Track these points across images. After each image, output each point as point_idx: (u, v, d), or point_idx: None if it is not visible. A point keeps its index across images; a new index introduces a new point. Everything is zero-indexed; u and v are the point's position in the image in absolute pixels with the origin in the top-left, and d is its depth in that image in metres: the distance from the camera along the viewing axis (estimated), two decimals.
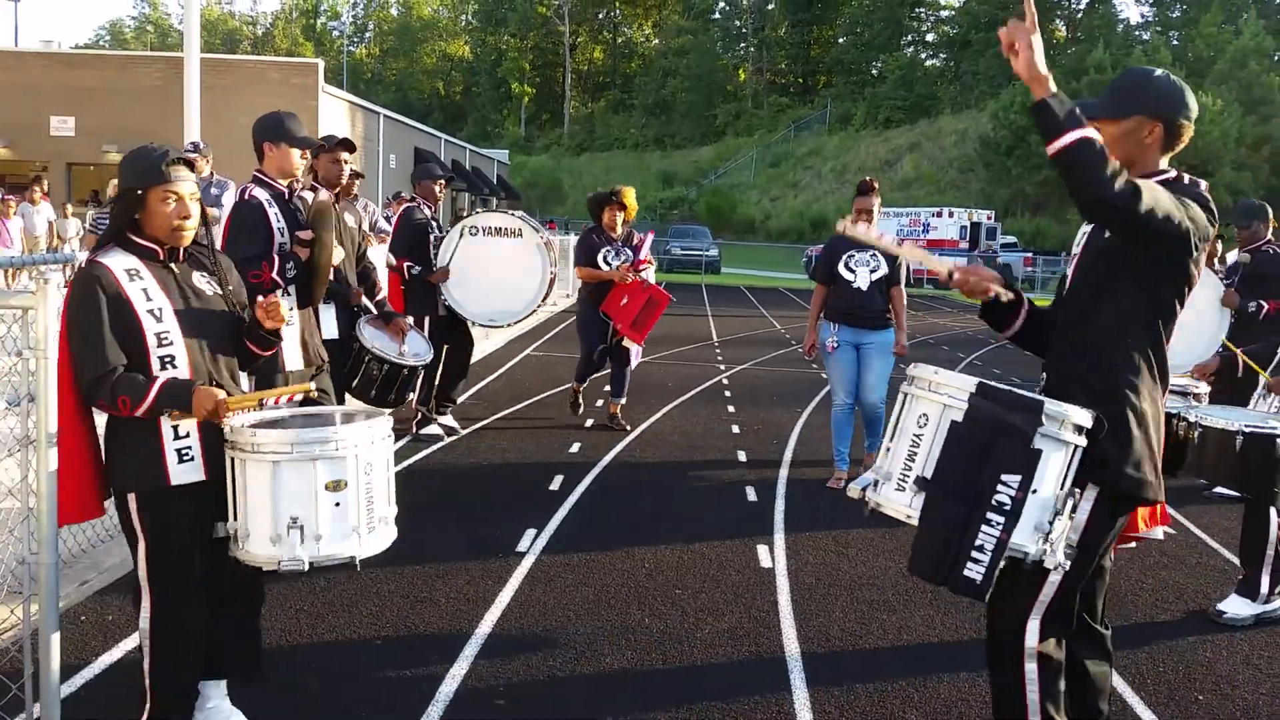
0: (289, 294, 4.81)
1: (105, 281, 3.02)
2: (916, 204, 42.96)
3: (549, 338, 15.34)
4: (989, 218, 37.23)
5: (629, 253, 8.46)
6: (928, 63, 70.45)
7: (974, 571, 2.68)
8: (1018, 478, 2.67)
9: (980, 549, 2.68)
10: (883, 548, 5.79)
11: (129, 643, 4.10)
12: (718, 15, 78.43)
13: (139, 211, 3.15)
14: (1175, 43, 57.40)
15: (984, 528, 2.68)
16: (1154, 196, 2.68)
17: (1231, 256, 7.70)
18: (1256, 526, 4.87)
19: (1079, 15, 66.86)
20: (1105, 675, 3.25)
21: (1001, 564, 2.69)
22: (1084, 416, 2.77)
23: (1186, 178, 2.95)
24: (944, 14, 72.86)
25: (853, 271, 6.95)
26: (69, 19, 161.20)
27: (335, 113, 31.83)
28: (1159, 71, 2.98)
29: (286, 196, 4.98)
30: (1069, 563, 2.84)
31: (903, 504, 2.84)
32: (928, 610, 4.90)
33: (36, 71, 29.94)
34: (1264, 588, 4.85)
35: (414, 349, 6.28)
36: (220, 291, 3.30)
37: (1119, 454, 2.85)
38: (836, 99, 67.50)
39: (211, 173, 9.36)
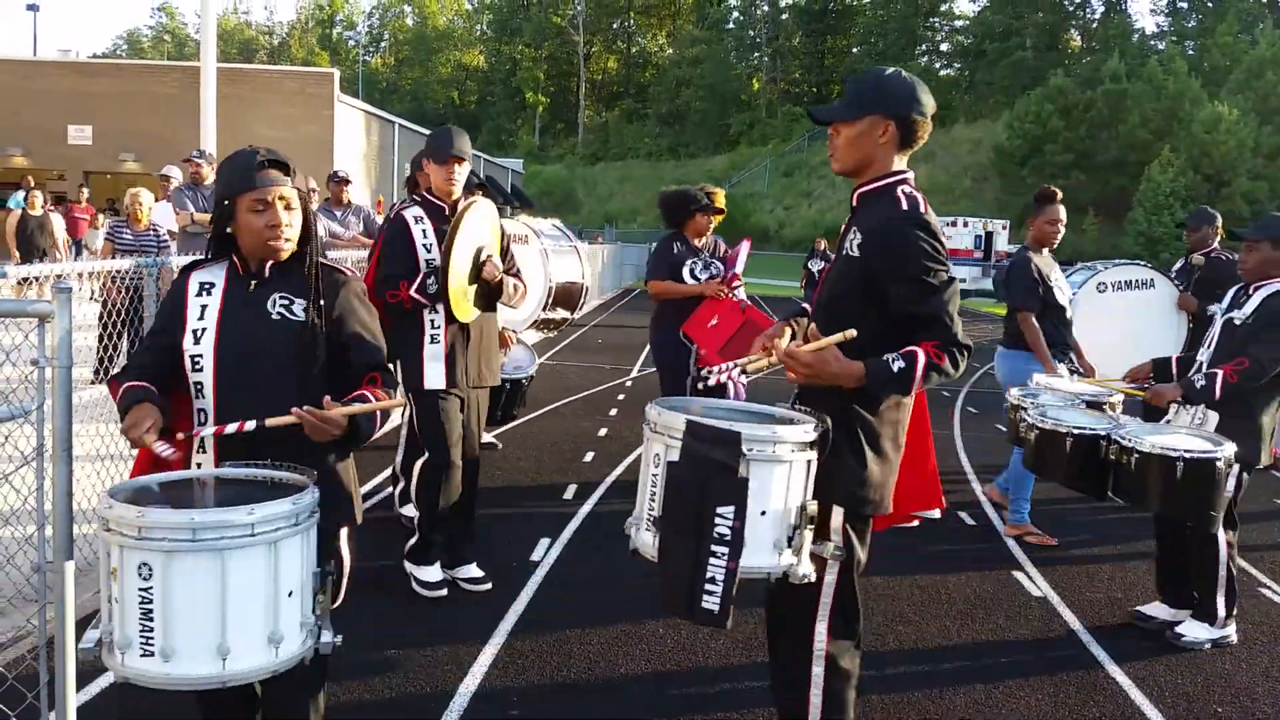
0: (436, 310, 4.68)
1: (176, 290, 2.87)
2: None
3: (561, 347, 15.35)
4: (1003, 227, 37.12)
5: (719, 265, 6.75)
6: (942, 72, 70.40)
7: (710, 603, 2.70)
8: (731, 508, 2.67)
9: (713, 580, 2.70)
10: (899, 561, 5.77)
11: None
12: (732, 25, 78.56)
13: (230, 224, 2.81)
14: (1191, 52, 57.25)
15: (711, 560, 2.70)
16: (955, 305, 2.83)
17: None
18: (1205, 551, 4.72)
19: (1094, 25, 66.72)
20: (854, 665, 3.22)
21: (735, 589, 2.70)
22: (801, 433, 2.75)
23: (908, 191, 2.90)
24: (958, 24, 72.83)
25: (1063, 291, 6.42)
26: (87, 28, 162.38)
27: (351, 122, 31.95)
28: (891, 70, 2.96)
29: (447, 213, 4.79)
30: (838, 559, 2.91)
31: (650, 545, 2.83)
32: (944, 621, 4.87)
33: (54, 80, 30.17)
34: (1220, 611, 4.71)
35: (514, 360, 5.86)
36: (303, 317, 2.77)
37: (849, 471, 2.91)
38: None
39: (215, 181, 9.40)
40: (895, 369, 2.76)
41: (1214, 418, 4.68)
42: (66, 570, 3.07)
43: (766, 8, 77.04)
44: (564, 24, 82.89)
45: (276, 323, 2.76)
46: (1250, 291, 4.81)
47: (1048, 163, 47.90)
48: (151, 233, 9.91)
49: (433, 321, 4.68)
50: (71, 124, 29.53)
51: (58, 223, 13.13)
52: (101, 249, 10.13)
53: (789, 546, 2.76)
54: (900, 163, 2.97)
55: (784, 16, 76.26)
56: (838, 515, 2.92)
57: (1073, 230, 47.07)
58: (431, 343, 4.68)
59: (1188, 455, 4.22)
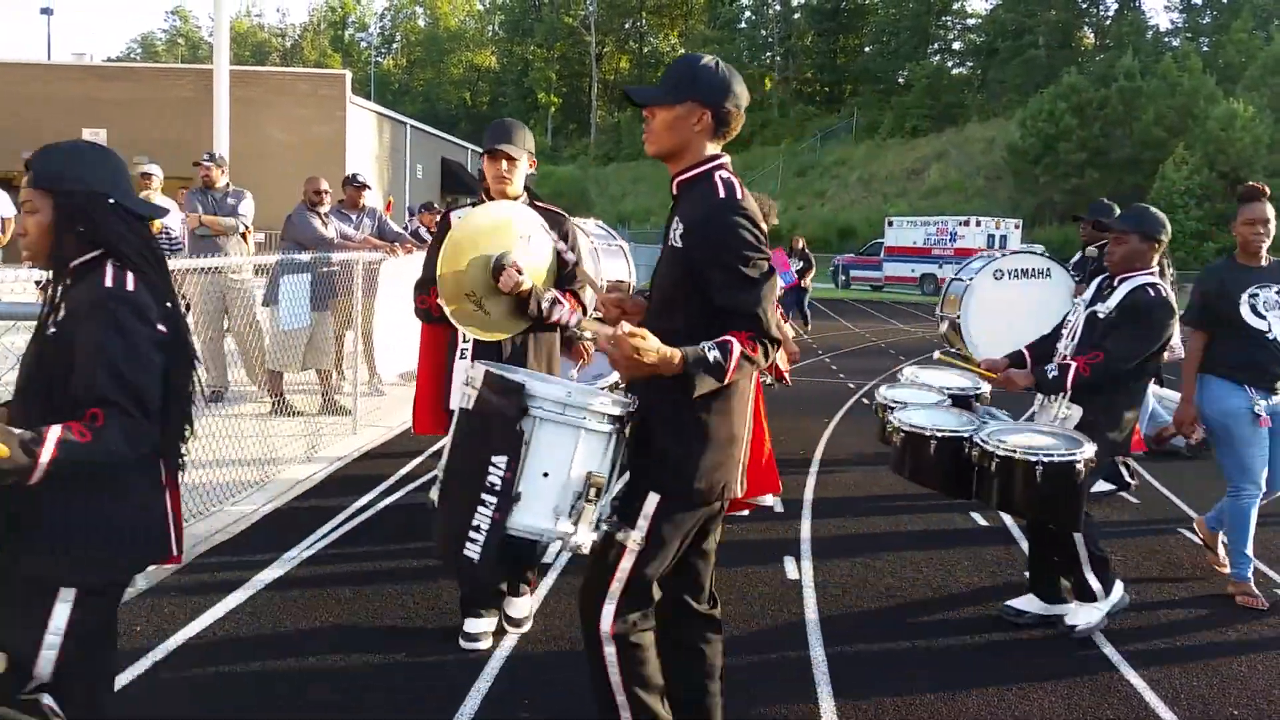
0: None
1: None
2: (943, 212, 42.76)
3: None
4: (1016, 226, 37.01)
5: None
6: (954, 71, 70.16)
7: (472, 551, 2.71)
8: (504, 458, 2.70)
9: (477, 529, 2.71)
10: (910, 560, 5.75)
11: (157, 653, 4.12)
12: (743, 24, 78.49)
13: None
14: (1206, 49, 56.97)
15: (480, 509, 2.71)
16: (772, 298, 2.87)
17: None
18: (1065, 548, 4.66)
19: (1108, 22, 66.42)
20: (715, 654, 3.22)
21: (499, 544, 2.71)
22: (599, 403, 2.78)
23: (725, 177, 2.91)
24: (970, 22, 72.62)
25: (1263, 316, 5.17)
26: (101, 32, 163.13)
27: (363, 123, 32.03)
28: (708, 58, 2.96)
29: None
30: (637, 548, 2.90)
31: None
32: (955, 622, 4.85)
33: (68, 84, 30.31)
34: (1096, 585, 4.65)
35: (593, 371, 5.31)
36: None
37: (668, 458, 2.90)
38: (863, 108, 67.32)
39: (228, 184, 9.43)
40: (711, 359, 2.74)
41: (1078, 412, 4.63)
42: None
43: (778, 7, 76.93)
44: (576, 24, 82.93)
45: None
46: (1115, 284, 4.76)
47: (1061, 161, 47.68)
48: (164, 234, 9.94)
49: (464, 335, 4.21)
50: (86, 128, 29.63)
51: None
52: None
53: (569, 515, 2.77)
54: (713, 149, 2.98)
55: (796, 16, 76.11)
56: (650, 502, 2.90)
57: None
58: (460, 358, 4.26)
59: (1047, 459, 4.21)
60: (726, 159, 2.99)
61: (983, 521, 6.58)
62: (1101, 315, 4.68)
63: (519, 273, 3.94)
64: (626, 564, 2.92)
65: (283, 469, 6.98)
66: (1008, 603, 4.95)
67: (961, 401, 5.34)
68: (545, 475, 2.74)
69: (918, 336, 20.39)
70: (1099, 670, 4.38)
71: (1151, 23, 69.22)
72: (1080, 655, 4.53)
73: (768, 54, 77.24)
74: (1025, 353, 5.09)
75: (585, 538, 2.81)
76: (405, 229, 13.43)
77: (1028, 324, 6.29)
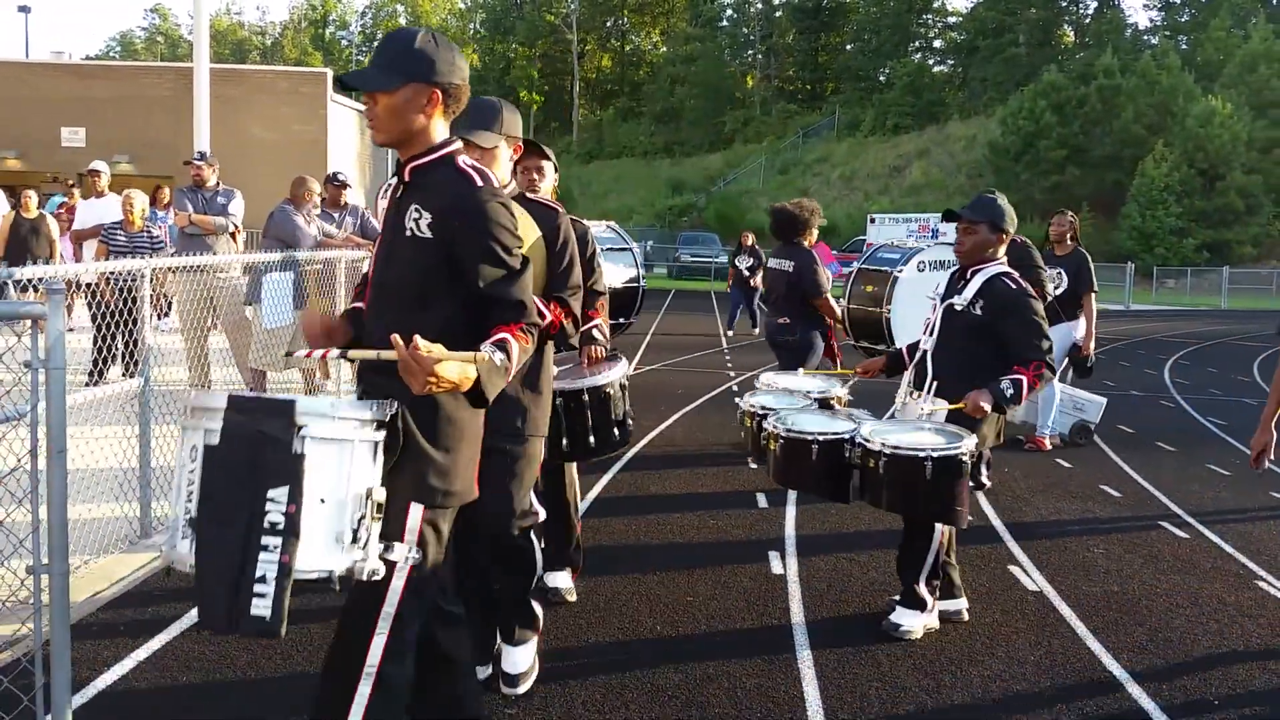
0: None
1: None
2: (926, 210, 42.82)
3: None
4: None
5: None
6: (935, 69, 70.24)
7: (261, 608, 2.35)
8: (285, 489, 2.37)
9: (263, 580, 2.35)
10: (895, 554, 5.76)
11: (141, 653, 4.10)
12: (725, 23, 78.38)
13: None
14: (1184, 47, 57.25)
15: (262, 555, 2.35)
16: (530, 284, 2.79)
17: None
18: (919, 540, 4.59)
19: (1087, 20, 66.66)
20: (464, 650, 3.12)
21: (289, 590, 2.39)
22: (363, 410, 2.55)
23: (473, 164, 2.79)
24: (951, 20, 72.76)
25: None
26: (79, 30, 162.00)
27: (344, 122, 31.91)
28: (422, 33, 2.75)
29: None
30: (409, 563, 2.66)
31: (187, 554, 2.44)
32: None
33: (47, 83, 30.08)
34: (928, 597, 4.60)
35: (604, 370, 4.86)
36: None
37: (437, 465, 2.72)
38: (845, 105, 67.37)
39: (219, 182, 9.40)
40: (498, 361, 2.59)
41: (944, 406, 4.58)
42: (62, 573, 3.07)
43: (760, 5, 76.90)
44: (557, 22, 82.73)
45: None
46: (968, 276, 4.70)
47: (1042, 159, 47.84)
48: (145, 234, 9.90)
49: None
50: (65, 126, 29.44)
51: (54, 228, 12.79)
52: (96, 251, 10.11)
53: (354, 541, 2.49)
54: (445, 131, 2.82)
55: (777, 14, 76.09)
56: (415, 514, 2.69)
57: None
58: None
59: (935, 454, 4.17)
60: (459, 144, 2.84)
61: (967, 516, 6.60)
62: (959, 308, 4.64)
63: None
64: (398, 584, 2.67)
65: None
66: (894, 599, 4.81)
67: (822, 405, 5.28)
68: (322, 502, 2.44)
69: None
70: (1082, 662, 4.41)
71: (1130, 21, 69.79)
72: (1063, 647, 4.55)
73: (749, 52, 77.25)
74: (904, 353, 5.10)
75: (377, 562, 2.55)
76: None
77: None
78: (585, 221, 4.55)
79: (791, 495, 6.85)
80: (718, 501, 6.76)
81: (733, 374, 13.07)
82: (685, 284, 34.40)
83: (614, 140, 74.59)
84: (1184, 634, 4.77)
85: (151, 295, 5.96)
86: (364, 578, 2.52)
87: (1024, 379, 4.41)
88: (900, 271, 8.56)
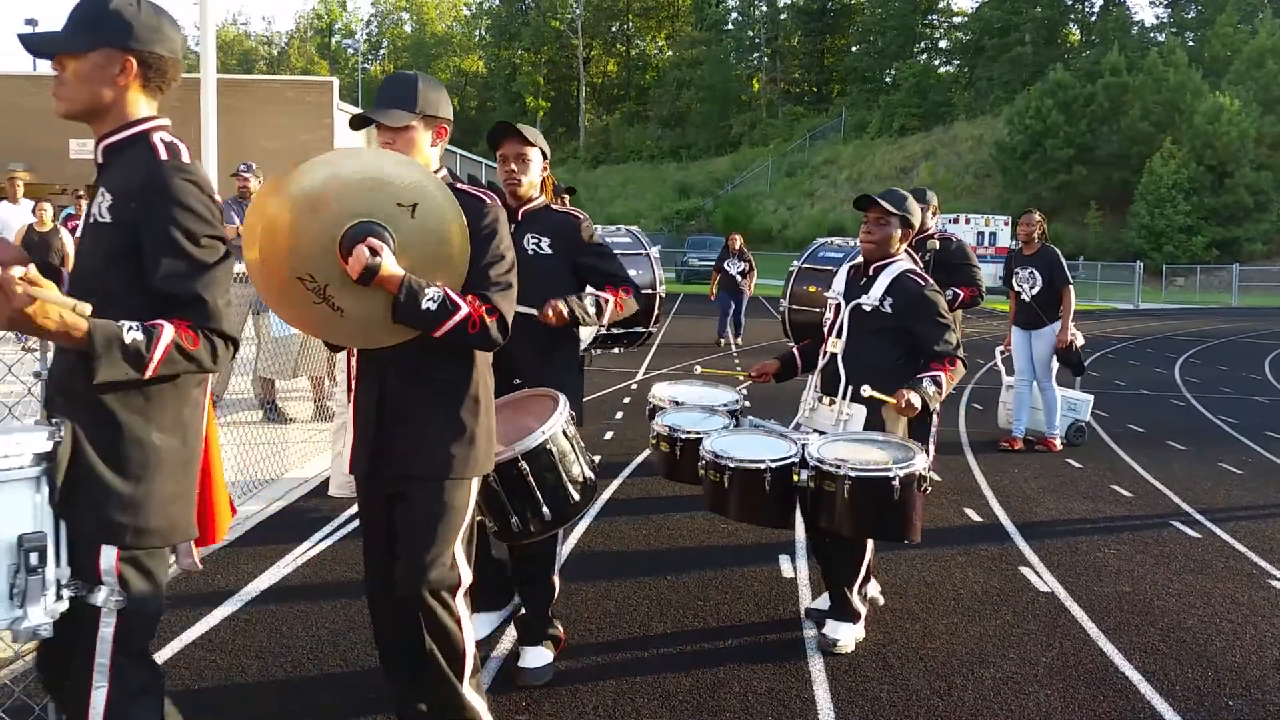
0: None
1: None
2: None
3: None
4: (1005, 223, 37.09)
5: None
6: (941, 69, 70.22)
7: None
8: None
9: None
10: (905, 556, 5.76)
11: (169, 650, 4.10)
12: (730, 26, 78.42)
13: None
14: (1191, 44, 57.14)
15: None
16: (224, 286, 2.45)
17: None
18: (856, 548, 4.42)
19: (1093, 19, 66.56)
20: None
21: None
22: (32, 438, 2.22)
23: (168, 139, 2.48)
24: (956, 20, 72.71)
25: None
26: None
27: (350, 130, 31.98)
28: None
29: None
30: (114, 609, 2.33)
31: None
32: (951, 618, 4.86)
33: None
34: (860, 608, 4.46)
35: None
36: None
37: (127, 499, 2.34)
38: (851, 107, 67.37)
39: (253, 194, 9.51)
40: (129, 340, 2.22)
41: (860, 411, 4.41)
42: None
43: (765, 8, 76.94)
44: (563, 28, 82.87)
45: None
46: (871, 273, 4.54)
47: (1049, 158, 47.79)
48: None
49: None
50: (73, 139, 29.54)
51: (68, 240, 12.71)
52: None
53: (10, 597, 2.17)
54: (151, 108, 2.51)
55: (782, 16, 76.14)
56: (107, 555, 2.31)
57: (1075, 225, 47.08)
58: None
59: (903, 471, 3.92)
60: (166, 121, 2.52)
61: (977, 518, 6.60)
62: (868, 308, 4.48)
63: (374, 254, 2.65)
64: (106, 632, 2.33)
65: (276, 476, 6.97)
66: (810, 604, 4.79)
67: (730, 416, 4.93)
68: None
69: None
70: (1094, 664, 4.39)
71: (1137, 18, 69.52)
72: (1075, 648, 4.54)
73: (755, 55, 77.28)
74: (795, 353, 4.99)
75: (41, 617, 2.19)
76: None
77: None
78: (597, 228, 4.55)
79: None
80: None
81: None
82: (693, 288, 34.42)
83: (621, 145, 74.69)
84: (1197, 635, 4.75)
85: None
86: (30, 638, 2.21)
87: (942, 374, 4.29)
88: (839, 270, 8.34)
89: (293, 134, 29.16)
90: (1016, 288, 8.90)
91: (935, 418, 6.94)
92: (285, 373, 8.63)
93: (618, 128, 78.78)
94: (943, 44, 73.77)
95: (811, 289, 8.12)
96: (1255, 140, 43.64)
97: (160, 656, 4.17)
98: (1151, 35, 63.34)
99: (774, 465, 4.12)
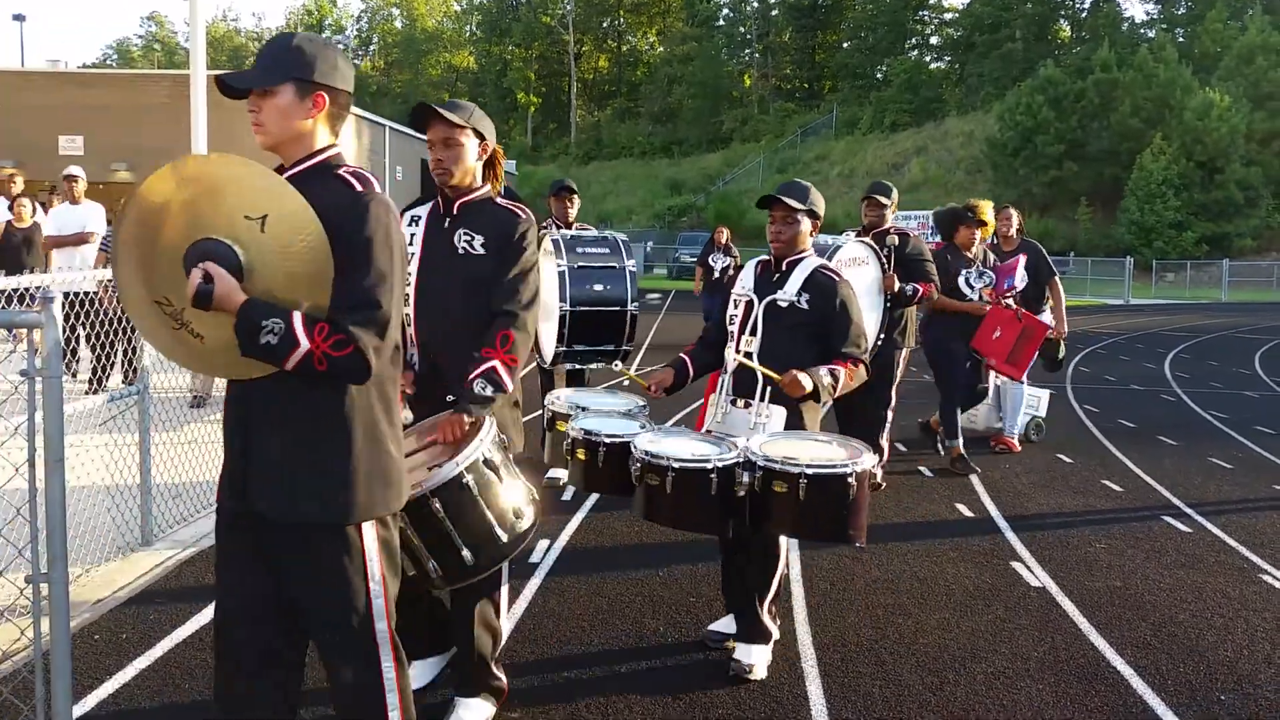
0: None
1: None
2: (925, 207, 42.78)
3: None
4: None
5: (992, 275, 7.58)
6: (932, 66, 70.27)
7: None
8: None
9: None
10: (897, 551, 5.76)
11: (142, 661, 4.09)
12: (722, 22, 78.41)
13: None
14: (1181, 40, 57.27)
15: None
16: None
17: (834, 238, 6.83)
18: (767, 558, 4.21)
19: (1083, 15, 66.68)
20: None
21: None
22: None
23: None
24: (947, 16, 72.79)
25: None
26: (75, 39, 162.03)
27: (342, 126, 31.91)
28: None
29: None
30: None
31: None
32: (943, 613, 4.86)
33: (44, 91, 30.12)
34: (772, 628, 4.25)
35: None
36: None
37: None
38: (842, 104, 67.40)
39: None
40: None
41: (780, 412, 4.17)
42: (62, 581, 3.06)
43: (756, 4, 76.90)
44: (553, 24, 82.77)
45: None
46: (784, 269, 4.31)
47: (1040, 154, 47.83)
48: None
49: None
50: (62, 135, 29.47)
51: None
52: (96, 259, 10.09)
53: None
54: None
55: (774, 12, 76.13)
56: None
57: (1066, 221, 47.15)
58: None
59: (856, 467, 3.67)
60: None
61: (968, 513, 6.60)
62: (784, 304, 4.23)
63: (206, 279, 2.34)
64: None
65: None
66: (711, 628, 4.49)
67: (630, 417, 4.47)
68: None
69: None
70: (1086, 658, 4.40)
71: (1127, 14, 69.78)
72: (1067, 643, 4.54)
73: (746, 51, 77.27)
74: (686, 360, 4.61)
75: None
76: None
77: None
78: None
79: None
80: None
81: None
82: (685, 284, 34.40)
83: (612, 141, 74.64)
84: (1188, 629, 4.76)
85: None
86: None
87: (842, 370, 4.08)
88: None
89: None
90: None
91: (890, 413, 6.92)
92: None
93: (609, 124, 78.71)
94: (934, 40, 73.89)
95: None
96: (1245, 136, 43.74)
97: (150, 655, 4.15)
98: (1142, 31, 63.52)
99: (720, 465, 3.78)
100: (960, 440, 7.71)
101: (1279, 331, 21.87)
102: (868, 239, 6.69)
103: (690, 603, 4.91)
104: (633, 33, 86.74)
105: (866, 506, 3.75)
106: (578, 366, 6.49)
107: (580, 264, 5.84)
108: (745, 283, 4.44)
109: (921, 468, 7.83)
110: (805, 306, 4.20)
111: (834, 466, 3.67)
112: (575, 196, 7.29)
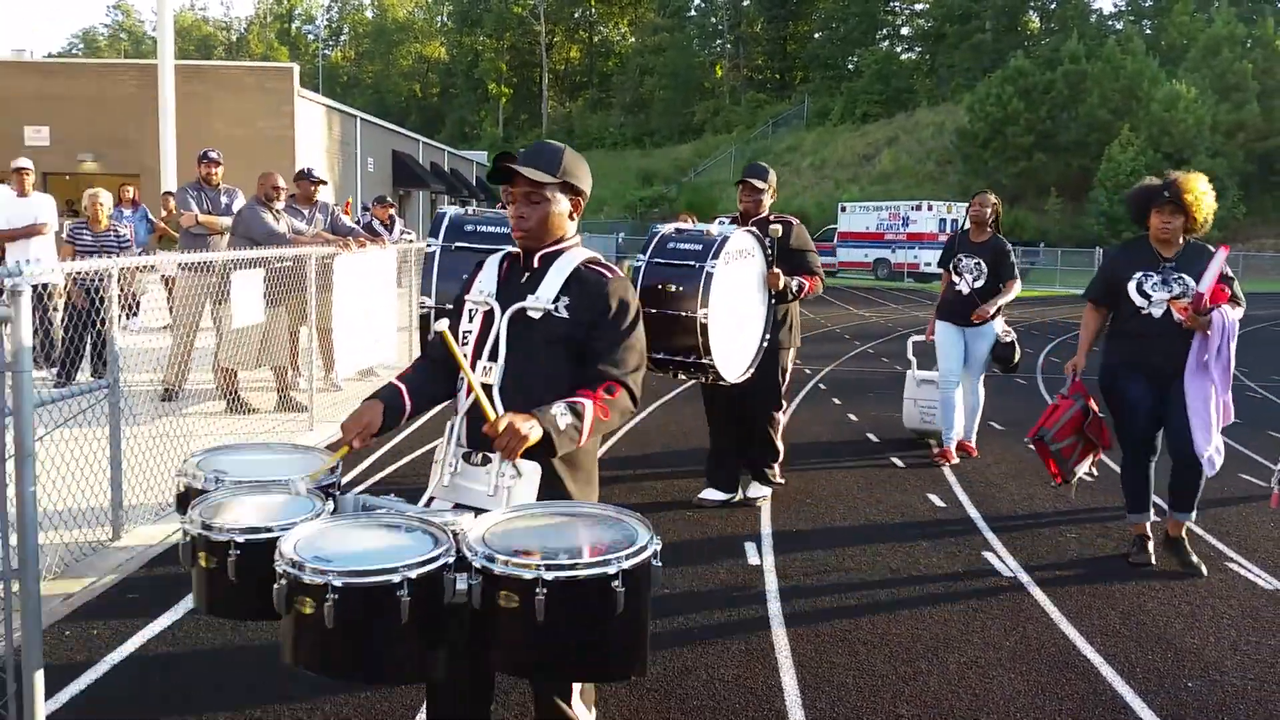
0: None
1: None
2: (895, 198, 43.04)
3: None
4: (967, 210, 37.36)
5: (1188, 282, 5.58)
6: (903, 56, 70.59)
7: None
8: None
9: None
10: (871, 543, 5.80)
11: (115, 656, 4.07)
12: (693, 12, 78.43)
13: None
14: (1149, 32, 57.77)
15: None
16: None
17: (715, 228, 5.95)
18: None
19: (1052, 6, 67.10)
20: None
21: None
22: None
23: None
24: (918, 7, 73.06)
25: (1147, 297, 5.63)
26: (41, 28, 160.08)
27: (312, 117, 31.67)
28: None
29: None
30: None
31: None
32: (915, 604, 4.90)
33: (9, 81, 29.71)
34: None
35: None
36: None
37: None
38: (813, 94, 67.56)
39: (219, 182, 9.40)
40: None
41: (532, 471, 2.90)
42: (33, 577, 3.04)
43: None
44: (525, 14, 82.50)
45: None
46: (536, 265, 3.22)
47: (1010, 145, 48.17)
48: (111, 233, 9.83)
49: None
50: (28, 125, 29.09)
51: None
52: (62, 251, 10.00)
53: None
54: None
55: (745, 3, 76.21)
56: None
57: (1036, 211, 47.48)
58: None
59: (629, 563, 2.52)
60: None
61: (940, 503, 6.65)
62: (537, 313, 2.98)
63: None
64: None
65: None
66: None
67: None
68: None
69: (872, 320, 20.57)
70: (1056, 647, 4.44)
71: (1095, 6, 70.27)
72: (1038, 632, 4.59)
73: (718, 42, 77.34)
74: (400, 388, 3.09)
75: None
76: (358, 222, 13.36)
77: (741, 313, 5.64)
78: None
79: (769, 488, 6.84)
80: (693, 492, 6.75)
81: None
82: None
83: (584, 132, 74.51)
84: (1156, 617, 4.81)
85: (120, 295, 5.90)
86: None
87: (589, 404, 2.86)
88: (712, 267, 5.72)
89: (253, 121, 28.84)
90: (955, 276, 7.89)
91: (782, 415, 6.72)
92: (248, 363, 8.55)
93: (581, 114, 78.62)
94: (904, 31, 74.17)
95: (669, 287, 5.73)
96: (1210, 128, 44.18)
97: (123, 651, 4.13)
98: (1110, 23, 64.05)
99: (413, 575, 2.36)
100: (1148, 516, 5.74)
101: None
102: (752, 229, 6.03)
103: (664, 593, 4.91)
104: (604, 23, 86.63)
105: (646, 623, 2.62)
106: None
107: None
108: (485, 286, 3.10)
109: (894, 459, 7.87)
110: (564, 314, 2.98)
111: (587, 564, 2.43)
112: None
